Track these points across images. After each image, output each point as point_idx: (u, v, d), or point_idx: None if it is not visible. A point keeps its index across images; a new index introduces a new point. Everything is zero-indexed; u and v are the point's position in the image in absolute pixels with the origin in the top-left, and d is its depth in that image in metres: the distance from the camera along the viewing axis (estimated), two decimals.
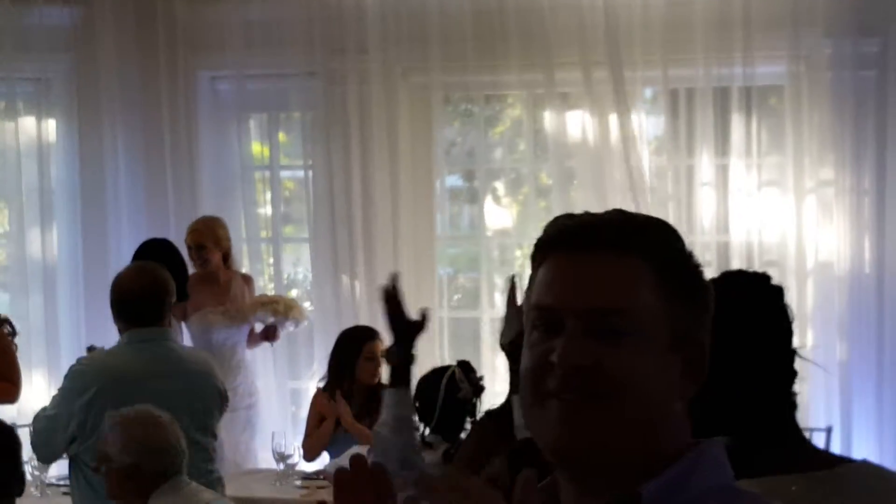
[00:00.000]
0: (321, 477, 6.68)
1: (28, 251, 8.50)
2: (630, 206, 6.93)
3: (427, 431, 5.59)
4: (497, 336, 4.28)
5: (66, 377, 5.11)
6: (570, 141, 7.99)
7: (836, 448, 7.09)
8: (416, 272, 8.23)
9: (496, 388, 6.54)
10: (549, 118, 8.03)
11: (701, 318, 1.64)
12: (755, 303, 2.45)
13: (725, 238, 7.85)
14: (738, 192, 7.77)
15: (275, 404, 8.27)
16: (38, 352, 8.35)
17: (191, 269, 7.63)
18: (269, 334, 7.78)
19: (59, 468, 6.36)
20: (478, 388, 5.57)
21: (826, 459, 2.47)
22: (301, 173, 8.69)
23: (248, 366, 7.80)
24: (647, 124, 7.99)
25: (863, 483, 2.38)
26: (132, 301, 5.08)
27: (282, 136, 8.98)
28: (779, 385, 2.45)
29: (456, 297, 8.93)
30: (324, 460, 7.12)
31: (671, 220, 1.70)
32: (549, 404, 1.57)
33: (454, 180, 8.93)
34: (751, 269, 2.58)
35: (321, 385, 7.33)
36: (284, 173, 8.89)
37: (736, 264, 7.49)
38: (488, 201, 8.48)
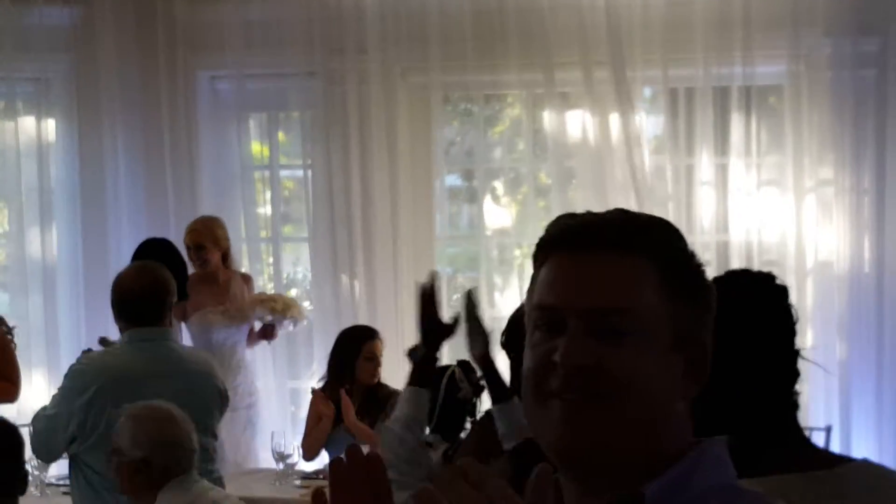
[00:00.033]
0: (321, 476, 6.69)
1: (28, 251, 8.50)
2: (630, 206, 6.93)
3: (427, 431, 5.59)
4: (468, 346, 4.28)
5: (66, 376, 5.10)
6: (570, 140, 8.00)
7: (836, 447, 7.09)
8: (416, 272, 8.22)
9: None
10: (548, 118, 8.03)
11: (703, 318, 1.64)
12: (759, 302, 2.45)
13: (725, 237, 7.85)
14: (738, 192, 7.77)
15: (274, 404, 8.27)
16: (38, 351, 8.35)
17: (190, 269, 7.63)
18: (267, 333, 7.78)
19: (59, 468, 6.36)
20: (478, 388, 5.56)
21: (827, 459, 2.46)
22: (300, 173, 8.70)
23: (248, 365, 7.80)
24: (646, 124, 8.00)
25: (863, 482, 2.38)
26: (133, 301, 5.08)
27: (281, 136, 8.99)
28: (781, 385, 2.45)
29: (455, 296, 8.92)
30: (323, 460, 7.12)
31: (670, 220, 1.69)
32: (551, 404, 1.57)
33: (453, 180, 8.94)
34: (755, 269, 2.58)
35: (315, 386, 7.32)
36: (284, 173, 8.89)
37: (735, 264, 7.49)
38: (487, 201, 8.48)
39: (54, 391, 5.24)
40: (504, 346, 4.14)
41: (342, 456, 1.53)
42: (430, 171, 8.40)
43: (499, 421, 3.96)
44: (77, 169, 8.55)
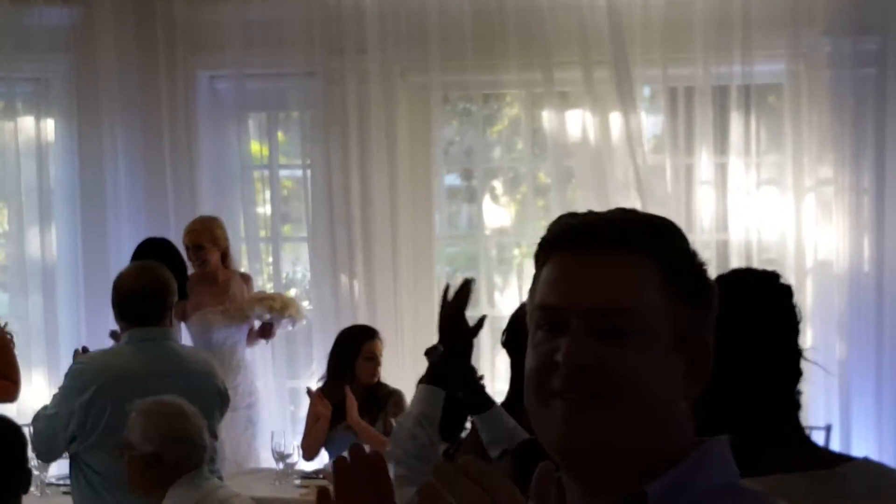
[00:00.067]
0: (320, 476, 6.69)
1: (27, 251, 8.51)
2: (630, 206, 6.94)
3: None
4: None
5: (67, 376, 5.11)
6: (569, 140, 7.99)
7: (836, 446, 7.09)
8: (415, 271, 8.25)
9: (496, 388, 6.53)
10: (547, 117, 8.03)
11: (705, 318, 1.64)
12: (763, 301, 2.45)
13: (724, 237, 7.85)
14: (737, 191, 7.77)
15: (274, 404, 8.27)
16: (38, 351, 8.35)
17: (190, 269, 7.63)
18: (266, 331, 7.79)
19: (59, 467, 6.36)
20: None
21: (827, 458, 2.46)
22: (300, 172, 8.70)
23: (248, 365, 7.80)
24: (645, 123, 7.99)
25: (864, 481, 2.38)
26: (133, 301, 5.08)
27: (281, 136, 8.99)
28: (783, 384, 2.45)
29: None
30: (323, 459, 7.12)
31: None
32: (553, 404, 1.57)
33: (452, 179, 8.94)
34: (760, 268, 2.58)
35: (310, 386, 7.32)
36: (283, 173, 8.89)
37: (735, 263, 7.49)
38: (486, 200, 8.48)
39: (54, 391, 5.25)
40: (505, 345, 4.14)
41: (345, 455, 1.53)
42: (430, 170, 8.40)
43: (482, 430, 3.95)
44: (77, 169, 8.55)
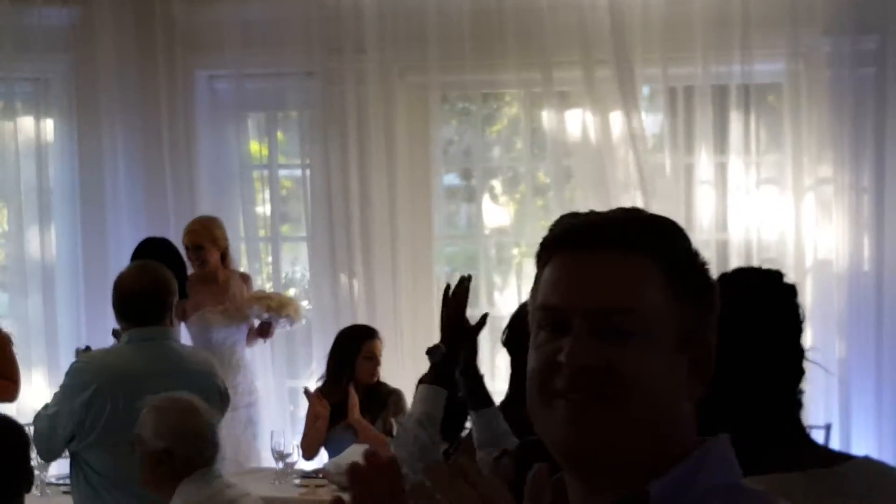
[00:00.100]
0: (320, 475, 6.69)
1: (27, 251, 8.51)
2: (630, 205, 6.94)
3: None
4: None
5: (67, 374, 5.11)
6: (567, 139, 8.00)
7: (835, 445, 7.09)
8: (414, 271, 8.25)
9: (496, 388, 6.53)
10: (546, 117, 8.03)
11: (707, 318, 1.64)
12: (767, 300, 2.45)
13: (724, 236, 7.85)
14: (737, 190, 7.77)
15: (273, 403, 8.28)
16: (38, 351, 8.35)
17: (189, 269, 7.63)
18: (264, 331, 7.78)
19: (59, 467, 6.36)
20: None
21: (828, 457, 2.47)
22: (299, 172, 8.70)
23: (247, 365, 7.80)
24: (645, 122, 7.99)
25: (865, 480, 2.39)
26: (134, 300, 5.08)
27: (280, 136, 8.99)
28: (785, 383, 2.45)
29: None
30: (322, 459, 7.12)
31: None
32: (556, 404, 1.57)
33: (451, 179, 8.94)
34: (765, 267, 2.58)
35: (307, 386, 7.32)
36: (282, 172, 8.89)
37: (734, 262, 7.50)
38: (485, 200, 8.48)
39: (54, 391, 5.25)
40: (506, 344, 4.14)
41: (360, 461, 1.54)
42: (429, 170, 8.40)
43: (476, 427, 3.95)
44: (76, 168, 8.55)
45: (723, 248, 7.83)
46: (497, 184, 8.63)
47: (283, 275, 8.78)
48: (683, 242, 1.65)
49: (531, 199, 8.29)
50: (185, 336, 7.60)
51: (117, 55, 8.41)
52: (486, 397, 3.98)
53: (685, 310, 1.60)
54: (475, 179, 8.48)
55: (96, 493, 5.00)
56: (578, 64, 7.84)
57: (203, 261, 7.67)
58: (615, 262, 1.58)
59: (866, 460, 2.47)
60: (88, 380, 4.97)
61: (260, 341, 7.90)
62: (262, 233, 8.68)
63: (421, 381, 4.03)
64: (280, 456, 6.62)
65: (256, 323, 7.76)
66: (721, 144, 7.80)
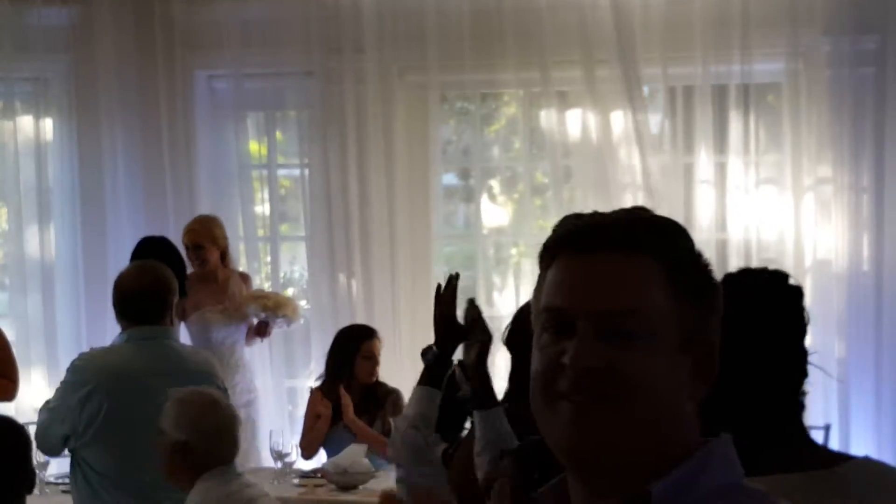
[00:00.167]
0: (319, 475, 6.69)
1: (26, 250, 8.52)
2: (630, 205, 6.94)
3: None
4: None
5: (68, 371, 5.11)
6: (566, 139, 8.00)
7: (835, 446, 7.09)
8: (413, 271, 8.24)
9: (496, 387, 6.53)
10: (544, 116, 8.03)
11: (710, 318, 1.63)
12: (772, 302, 2.45)
13: (723, 236, 7.85)
14: (736, 190, 7.77)
15: (272, 403, 8.27)
16: (37, 350, 8.35)
17: (189, 268, 7.63)
18: (261, 330, 7.78)
19: (59, 466, 6.36)
20: None
21: (828, 457, 2.47)
22: (298, 172, 8.71)
23: (246, 364, 7.80)
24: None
25: (865, 480, 2.39)
26: (134, 300, 5.08)
27: (279, 135, 8.98)
28: (788, 385, 2.44)
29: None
30: (322, 458, 7.12)
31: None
32: (560, 406, 1.57)
33: (450, 178, 8.94)
34: (765, 267, 2.57)
35: (313, 386, 7.33)
36: (281, 172, 8.89)
37: (734, 262, 7.50)
38: (484, 200, 8.48)
39: (52, 390, 5.25)
40: (507, 342, 4.14)
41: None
42: (428, 169, 8.40)
43: (478, 427, 3.95)
44: (76, 168, 8.55)
45: (722, 247, 7.82)
46: (495, 184, 8.63)
47: (282, 274, 8.78)
48: (686, 243, 1.64)
49: (529, 199, 8.29)
50: (184, 335, 7.60)
51: (117, 55, 8.41)
52: (494, 397, 3.98)
53: (688, 310, 1.59)
54: (473, 179, 8.48)
55: (95, 492, 4.99)
56: (578, 63, 7.84)
57: (203, 260, 7.66)
58: (618, 264, 1.58)
59: (866, 461, 2.47)
60: (88, 378, 4.97)
61: (258, 340, 7.89)
62: (260, 232, 8.68)
63: (419, 384, 4.05)
64: (279, 455, 6.63)
65: (255, 321, 7.75)
66: (720, 144, 7.80)
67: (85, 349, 5.70)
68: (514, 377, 4.19)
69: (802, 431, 2.47)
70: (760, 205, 7.75)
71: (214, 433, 4.46)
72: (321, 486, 6.53)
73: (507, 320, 4.17)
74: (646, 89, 8.06)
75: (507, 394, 4.28)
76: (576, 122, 7.95)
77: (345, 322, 7.73)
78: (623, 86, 7.73)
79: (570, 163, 8.10)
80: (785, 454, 2.37)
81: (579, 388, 1.55)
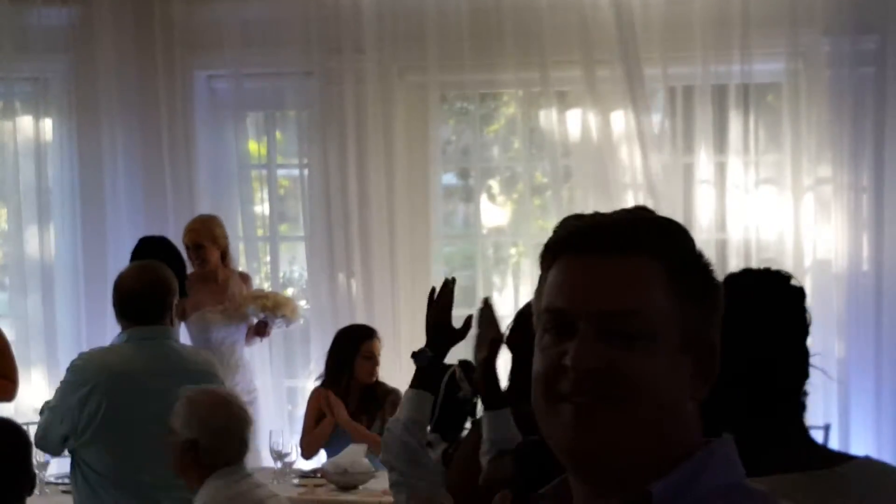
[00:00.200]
0: (318, 475, 6.68)
1: (26, 250, 8.52)
2: (629, 205, 6.94)
3: (427, 431, 5.57)
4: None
5: (68, 370, 5.12)
6: (565, 139, 8.00)
7: (834, 446, 7.09)
8: (412, 271, 8.24)
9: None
10: (544, 116, 8.03)
11: (711, 318, 1.63)
12: (774, 302, 2.45)
13: (723, 236, 7.85)
14: (736, 190, 7.77)
15: (271, 403, 8.27)
16: (37, 350, 8.35)
17: (189, 268, 7.63)
18: (260, 330, 7.78)
19: (58, 466, 6.36)
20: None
21: (829, 457, 2.47)
22: (297, 172, 8.70)
23: (246, 364, 7.80)
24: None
25: (866, 480, 2.39)
26: (134, 300, 5.08)
27: (278, 135, 8.99)
28: (790, 385, 2.44)
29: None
30: (321, 458, 7.12)
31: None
32: (562, 407, 1.57)
33: (449, 178, 8.93)
34: (766, 267, 2.57)
35: (318, 383, 7.32)
36: (281, 172, 8.89)
37: (733, 262, 7.50)
38: (483, 199, 8.48)
39: (52, 390, 5.25)
40: (508, 342, 4.13)
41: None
42: (427, 169, 8.40)
43: (487, 428, 3.95)
44: (75, 168, 8.55)
45: (722, 247, 7.82)
46: (495, 183, 8.63)
47: (281, 274, 8.79)
48: (687, 243, 1.65)
49: (529, 199, 8.29)
50: (184, 335, 7.60)
51: (117, 55, 8.41)
52: (503, 398, 3.98)
53: (689, 310, 1.59)
54: (473, 179, 8.49)
55: (95, 492, 4.99)
56: (578, 64, 7.84)
57: (203, 260, 7.66)
58: (620, 264, 1.58)
59: (867, 460, 2.46)
60: (88, 378, 4.98)
61: (258, 340, 7.90)
62: (260, 232, 8.68)
63: (411, 387, 4.05)
64: (278, 455, 6.62)
65: (254, 321, 7.75)
66: (720, 144, 7.80)
67: (85, 349, 5.70)
68: (514, 377, 4.19)
69: (803, 431, 2.47)
70: (760, 205, 7.75)
71: (222, 433, 4.46)
72: (321, 486, 6.53)
73: (507, 320, 4.16)
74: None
75: (508, 394, 4.28)
76: (576, 122, 7.95)
77: (344, 322, 7.72)
78: (623, 86, 7.73)
79: (570, 163, 8.10)
80: (786, 454, 2.37)
81: (581, 390, 1.55)
